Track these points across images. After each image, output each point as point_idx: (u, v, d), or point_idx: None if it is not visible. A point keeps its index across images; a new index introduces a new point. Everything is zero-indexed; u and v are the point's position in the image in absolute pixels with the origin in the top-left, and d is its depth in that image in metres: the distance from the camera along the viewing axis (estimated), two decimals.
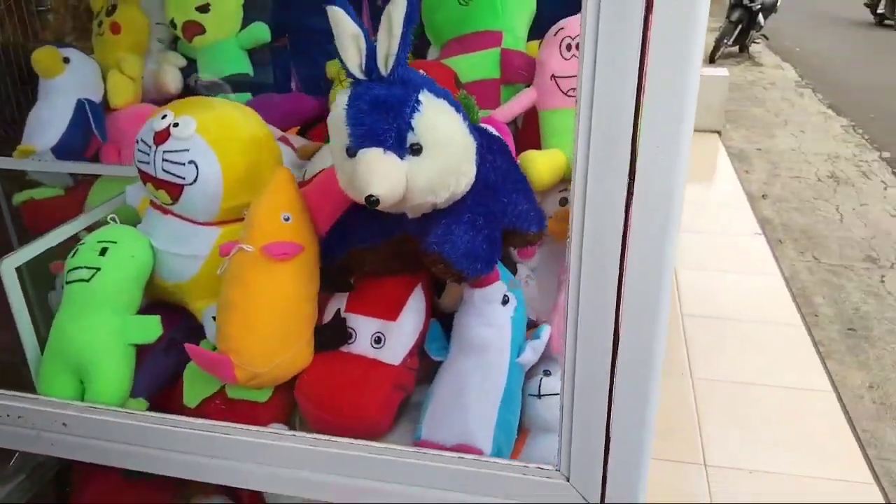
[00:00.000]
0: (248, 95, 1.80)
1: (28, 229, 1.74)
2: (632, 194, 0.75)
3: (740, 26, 9.50)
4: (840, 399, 3.07)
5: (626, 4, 0.68)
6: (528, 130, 1.47)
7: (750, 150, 6.37)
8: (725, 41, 9.52)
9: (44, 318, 1.25)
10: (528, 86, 1.45)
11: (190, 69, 1.83)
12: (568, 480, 0.91)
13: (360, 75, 0.94)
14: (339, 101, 0.95)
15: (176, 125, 1.12)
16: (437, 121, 0.93)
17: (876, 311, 3.86)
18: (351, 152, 0.92)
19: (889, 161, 6.16)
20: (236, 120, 1.18)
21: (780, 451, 2.74)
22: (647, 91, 0.71)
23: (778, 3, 10.01)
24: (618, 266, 0.79)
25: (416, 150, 0.91)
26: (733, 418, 2.93)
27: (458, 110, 0.97)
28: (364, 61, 0.93)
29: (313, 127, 1.74)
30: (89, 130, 1.65)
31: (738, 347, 3.42)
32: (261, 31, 1.81)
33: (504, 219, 1.07)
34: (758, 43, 10.50)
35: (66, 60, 1.64)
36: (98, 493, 1.24)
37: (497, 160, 1.10)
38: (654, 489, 2.79)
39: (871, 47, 11.52)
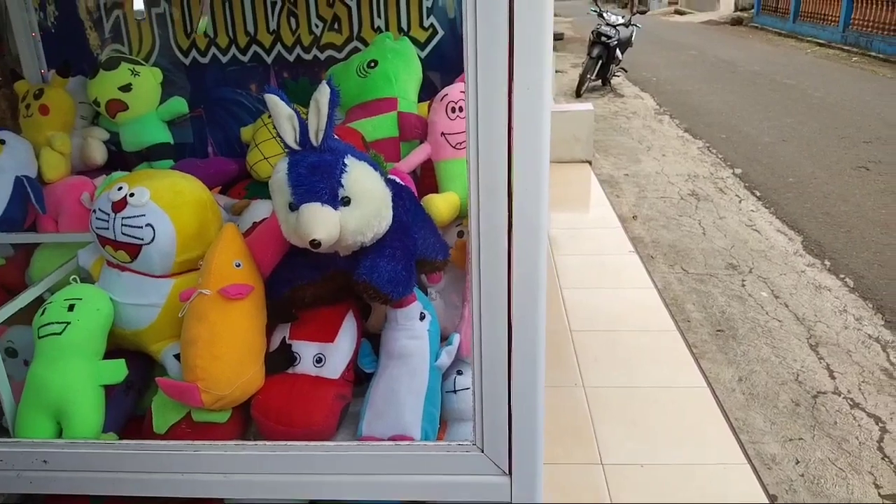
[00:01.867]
0: (171, 162, 1.97)
1: None
2: (511, 224, 1.02)
3: (601, 61, 10.20)
4: (714, 393, 3.42)
5: (495, 81, 0.95)
6: (426, 178, 1.75)
7: (619, 176, 6.88)
8: (589, 76, 10.19)
9: None
10: (423, 142, 1.74)
11: (112, 140, 1.98)
12: (483, 452, 1.16)
13: (295, 147, 1.18)
14: (280, 167, 1.19)
15: (132, 195, 1.32)
16: (360, 177, 1.18)
17: (739, 313, 4.29)
18: (294, 207, 1.16)
19: (741, 176, 6.83)
20: (184, 186, 1.39)
21: (667, 445, 3.03)
22: (515, 149, 0.98)
23: (632, 38, 10.85)
24: (506, 280, 1.06)
25: (346, 201, 1.16)
26: (623, 419, 3.20)
27: (375, 168, 1.22)
28: (298, 136, 1.17)
29: (233, 186, 1.93)
30: (28, 204, 1.77)
31: (623, 355, 3.72)
32: (179, 105, 1.99)
33: (416, 251, 1.33)
34: (618, 76, 11.31)
35: (2, 142, 1.77)
36: None
37: (406, 204, 1.36)
38: (557, 490, 3.06)
39: (710, 73, 12.61)
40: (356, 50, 1.97)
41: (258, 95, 2.06)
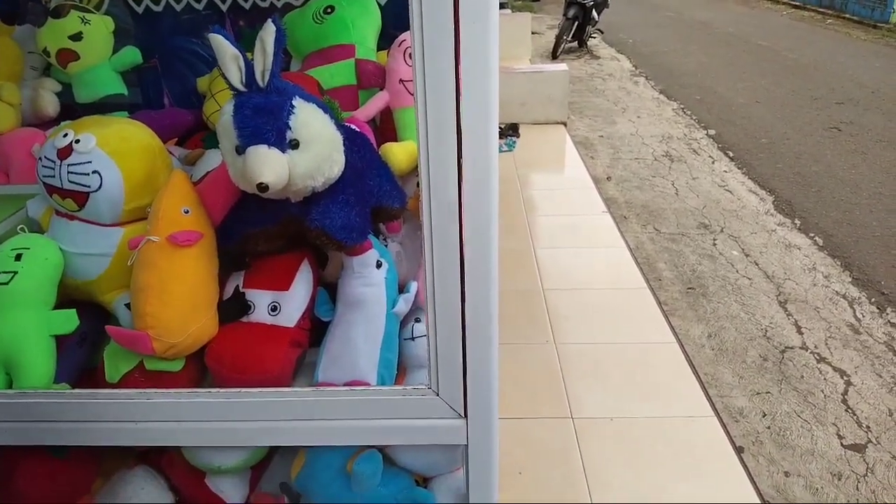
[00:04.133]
0: (125, 114, 1.92)
1: None
2: (461, 173, 1.01)
3: (577, 22, 10.12)
4: (683, 349, 3.47)
5: (441, 27, 0.93)
6: (386, 127, 1.72)
7: (593, 138, 6.88)
8: (565, 37, 10.12)
9: None
10: (382, 89, 1.70)
11: (65, 92, 1.93)
12: (438, 395, 1.16)
13: (241, 88, 1.15)
14: (226, 109, 1.15)
15: (77, 141, 1.28)
16: (309, 120, 1.15)
17: (710, 271, 4.34)
18: (240, 150, 1.13)
19: (714, 137, 6.86)
20: (132, 132, 1.35)
21: (636, 399, 3.09)
22: (463, 92, 0.96)
23: None
24: (458, 227, 1.04)
25: (295, 144, 1.13)
26: (594, 375, 3.25)
27: (325, 111, 1.19)
28: (244, 77, 1.14)
29: (190, 138, 1.89)
30: None
31: (595, 313, 3.77)
32: (132, 55, 1.95)
33: (372, 198, 1.32)
34: (594, 37, 11.24)
35: None
36: (26, 476, 1.36)
37: (361, 150, 1.33)
38: (528, 444, 3.11)
39: (686, 34, 12.58)
40: None
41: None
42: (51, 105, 1.90)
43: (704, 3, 16.94)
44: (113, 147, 1.30)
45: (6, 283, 1.26)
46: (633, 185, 5.67)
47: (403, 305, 1.32)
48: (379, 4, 1.88)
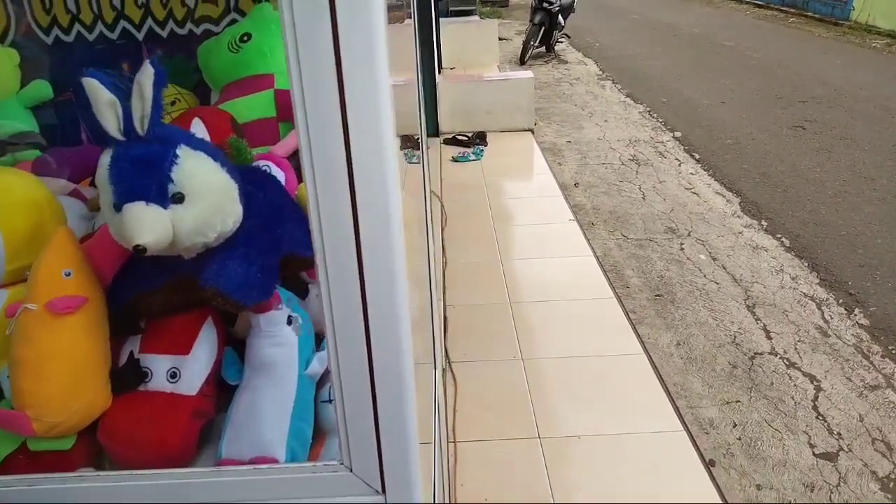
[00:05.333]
0: (37, 152, 1.78)
1: None
2: (356, 203, 0.89)
3: (543, 27, 10.10)
4: (651, 360, 3.40)
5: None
6: None
7: (561, 143, 6.82)
8: (532, 43, 10.09)
9: None
10: None
11: None
12: (351, 471, 1.04)
13: (119, 137, 1.03)
14: (103, 161, 1.03)
15: None
16: (195, 170, 1.03)
17: (678, 277, 4.29)
18: (117, 207, 1.01)
19: (680, 140, 6.83)
20: (13, 185, 1.22)
21: (603, 415, 3.02)
22: (350, 124, 0.84)
23: (574, 3, 10.75)
24: (357, 273, 0.93)
25: (179, 198, 1.02)
26: (561, 392, 3.18)
27: (215, 158, 1.08)
28: (122, 124, 1.02)
29: None
30: None
31: (562, 326, 3.70)
32: (41, 88, 1.82)
33: (281, 247, 1.20)
34: (561, 42, 11.22)
35: None
36: None
37: (268, 194, 1.21)
38: (494, 468, 3.02)
39: (651, 37, 12.61)
40: (234, 22, 1.80)
41: (131, 76, 1.88)
42: None
43: (670, 4, 17.03)
44: None
45: None
46: (601, 191, 5.61)
47: (318, 366, 1.20)
48: None
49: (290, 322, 1.20)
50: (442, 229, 4.83)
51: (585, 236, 4.70)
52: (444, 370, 3.32)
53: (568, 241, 4.67)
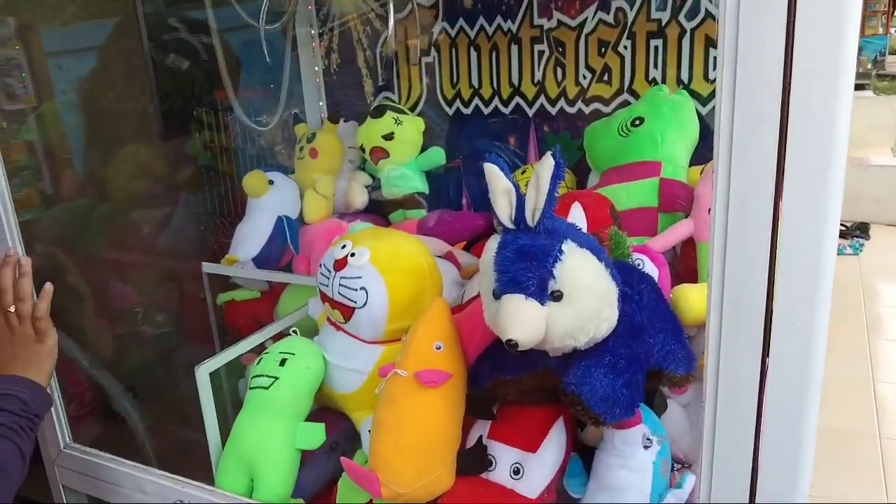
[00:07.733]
0: (424, 212, 1.94)
1: (227, 324, 1.98)
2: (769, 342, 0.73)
3: None
4: None
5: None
6: (686, 259, 1.47)
7: None
8: None
9: (233, 407, 1.42)
10: (687, 216, 1.46)
11: (374, 185, 2.02)
12: None
13: (509, 225, 1.01)
14: (489, 246, 1.03)
15: (353, 255, 1.26)
16: (578, 269, 0.97)
17: None
18: (497, 295, 0.99)
19: None
20: (405, 250, 1.30)
21: None
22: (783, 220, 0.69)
23: None
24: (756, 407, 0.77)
25: (557, 296, 0.96)
26: None
27: (600, 258, 1.01)
28: (514, 213, 1.01)
29: (477, 242, 1.84)
30: (285, 243, 1.86)
31: None
32: (437, 156, 1.98)
33: (649, 360, 1.08)
34: None
35: (271, 182, 1.89)
36: None
37: (644, 299, 1.11)
38: None
39: None
40: (625, 104, 1.75)
41: (515, 150, 1.96)
42: (360, 197, 1.99)
43: None
44: (384, 264, 1.26)
45: (266, 388, 1.27)
46: None
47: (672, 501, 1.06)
48: (699, 114, 1.65)
49: (647, 445, 1.07)
50: None
51: None
52: None
53: None
